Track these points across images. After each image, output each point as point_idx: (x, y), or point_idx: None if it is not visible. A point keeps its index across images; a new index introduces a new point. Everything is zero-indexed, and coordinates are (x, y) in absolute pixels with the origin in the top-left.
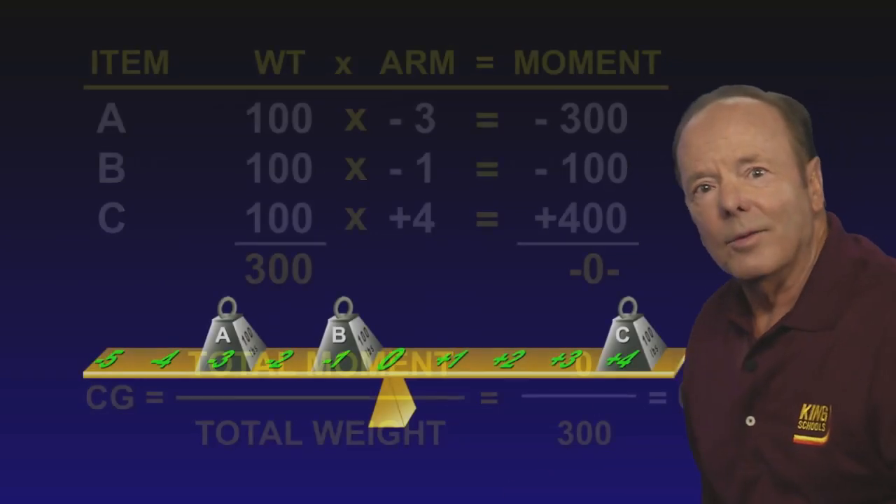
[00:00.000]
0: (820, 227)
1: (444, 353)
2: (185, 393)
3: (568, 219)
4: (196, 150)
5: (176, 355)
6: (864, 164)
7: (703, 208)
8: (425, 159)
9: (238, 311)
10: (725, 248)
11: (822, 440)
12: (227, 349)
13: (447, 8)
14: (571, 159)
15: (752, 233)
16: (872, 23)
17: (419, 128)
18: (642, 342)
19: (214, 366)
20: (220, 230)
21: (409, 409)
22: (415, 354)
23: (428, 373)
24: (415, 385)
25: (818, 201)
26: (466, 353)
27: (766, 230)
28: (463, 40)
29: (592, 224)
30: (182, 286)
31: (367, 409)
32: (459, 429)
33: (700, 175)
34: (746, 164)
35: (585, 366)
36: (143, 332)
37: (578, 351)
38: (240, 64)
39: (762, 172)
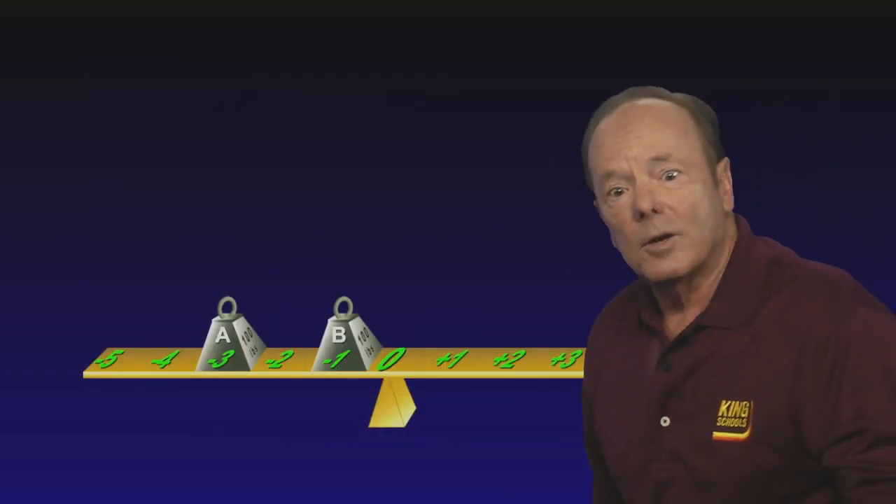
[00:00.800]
0: (730, 228)
1: (444, 353)
2: (184, 393)
3: (568, 218)
4: (196, 150)
5: (176, 355)
6: (864, 163)
7: (617, 211)
8: (426, 161)
9: (238, 311)
10: (639, 251)
11: (744, 436)
12: (227, 349)
13: None
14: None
15: (665, 235)
16: (872, 23)
17: (417, 127)
18: None
19: (214, 366)
20: (220, 230)
21: (409, 409)
22: (415, 354)
23: (428, 373)
24: (415, 385)
25: (729, 202)
26: (466, 353)
27: (678, 234)
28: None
29: (593, 224)
30: (182, 286)
31: (367, 410)
32: (459, 429)
33: (612, 174)
34: (659, 163)
35: None
36: (143, 332)
37: (578, 351)
38: (240, 63)
39: (675, 174)
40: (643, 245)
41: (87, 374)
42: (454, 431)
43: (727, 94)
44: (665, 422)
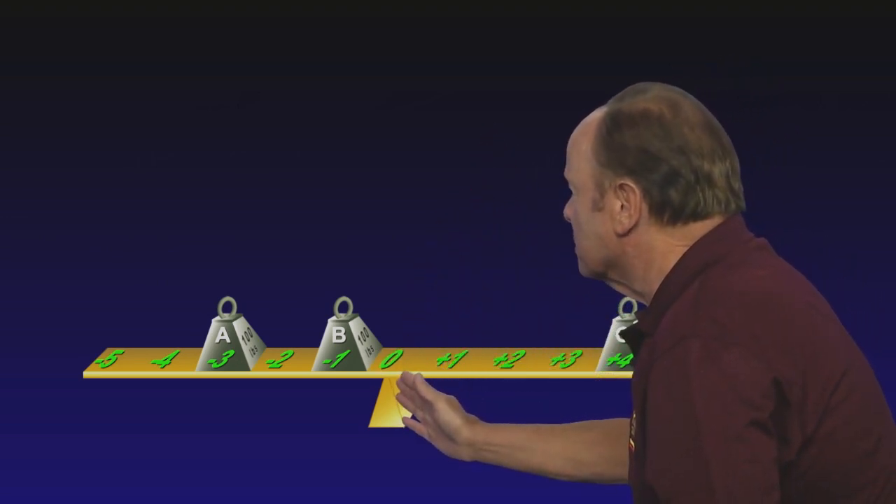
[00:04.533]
0: (659, 243)
1: (444, 353)
2: (184, 393)
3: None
4: (196, 150)
5: (176, 355)
6: (864, 163)
7: None
8: (426, 161)
9: (238, 311)
10: None
11: (633, 445)
12: (227, 349)
13: None
14: None
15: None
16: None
17: (417, 127)
18: None
19: (214, 366)
20: (220, 230)
21: None
22: (415, 354)
23: (428, 373)
24: None
25: (624, 224)
26: (466, 353)
27: (576, 243)
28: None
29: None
30: (182, 286)
31: (367, 410)
32: None
33: None
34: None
35: (585, 366)
36: (143, 332)
37: (578, 351)
38: (240, 63)
39: (573, 192)
40: None
41: (87, 374)
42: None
43: (727, 94)
44: (633, 424)
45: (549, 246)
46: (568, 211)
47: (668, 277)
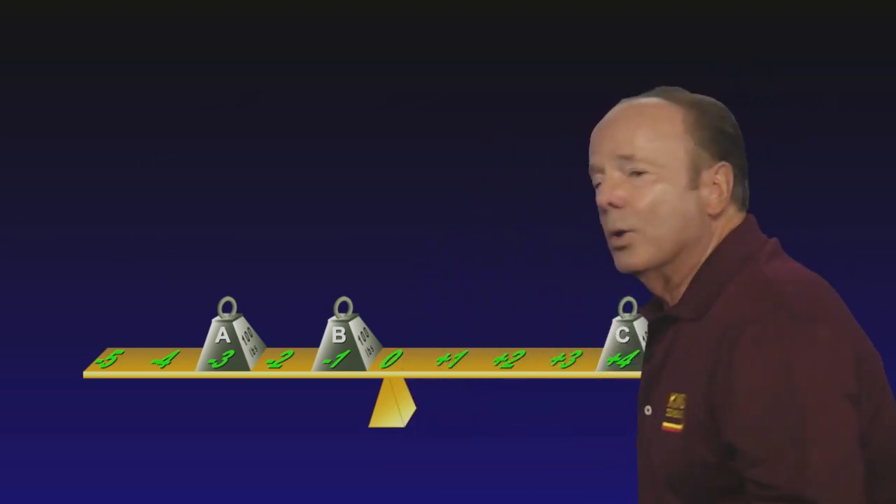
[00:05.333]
0: (723, 228)
1: (444, 353)
2: (184, 393)
3: (569, 218)
4: (196, 150)
5: (176, 355)
6: (864, 163)
7: (597, 203)
8: (426, 161)
9: (238, 311)
10: (609, 243)
11: (680, 427)
12: (227, 349)
13: None
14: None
15: (622, 231)
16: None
17: (417, 127)
18: (642, 342)
19: (214, 366)
20: (220, 230)
21: (409, 409)
22: (415, 354)
23: (428, 373)
24: (415, 385)
25: (715, 205)
26: (466, 353)
27: (635, 231)
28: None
29: (593, 223)
30: (182, 286)
31: (367, 410)
32: (459, 429)
33: (592, 168)
34: (626, 161)
35: (585, 366)
36: (143, 332)
37: (578, 351)
38: (240, 63)
39: (640, 173)
40: (608, 238)
41: (87, 374)
42: (454, 431)
43: (727, 94)
44: (647, 411)
45: (549, 246)
46: (621, 194)
47: (707, 268)
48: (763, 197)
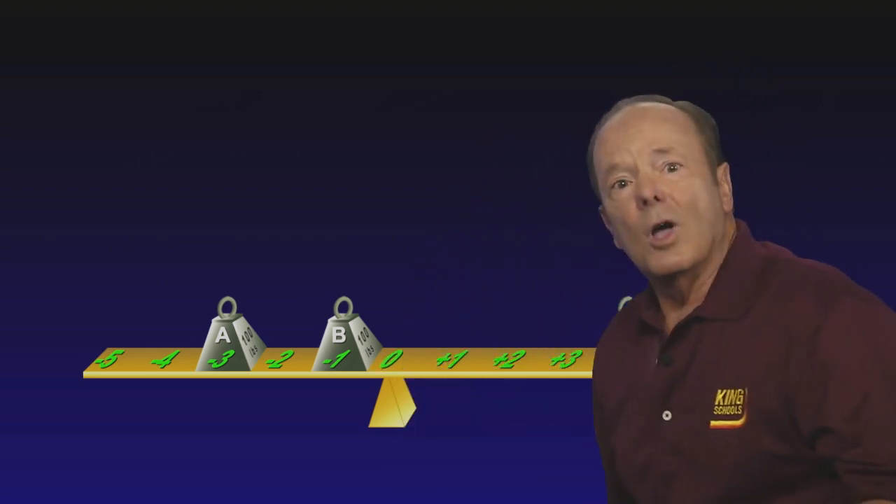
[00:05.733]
0: (730, 228)
1: (444, 353)
2: (184, 393)
3: (569, 218)
4: (196, 150)
5: (176, 355)
6: (864, 163)
7: (621, 203)
8: (426, 161)
9: (238, 311)
10: (643, 243)
11: (739, 422)
12: (227, 349)
13: None
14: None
15: (667, 224)
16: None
17: (417, 127)
18: None
19: (214, 366)
20: (220, 230)
21: (409, 409)
22: (415, 354)
23: (428, 373)
24: (415, 385)
25: (728, 203)
26: (466, 353)
27: (679, 225)
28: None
29: (594, 224)
30: (182, 286)
31: (367, 410)
32: (459, 429)
33: (615, 167)
34: (661, 156)
35: (585, 366)
36: (143, 332)
37: (578, 351)
38: (240, 63)
39: (676, 167)
40: (648, 237)
41: (87, 374)
42: (454, 431)
43: (727, 94)
44: (667, 416)
45: (549, 246)
46: (663, 188)
47: (729, 269)
48: (763, 197)
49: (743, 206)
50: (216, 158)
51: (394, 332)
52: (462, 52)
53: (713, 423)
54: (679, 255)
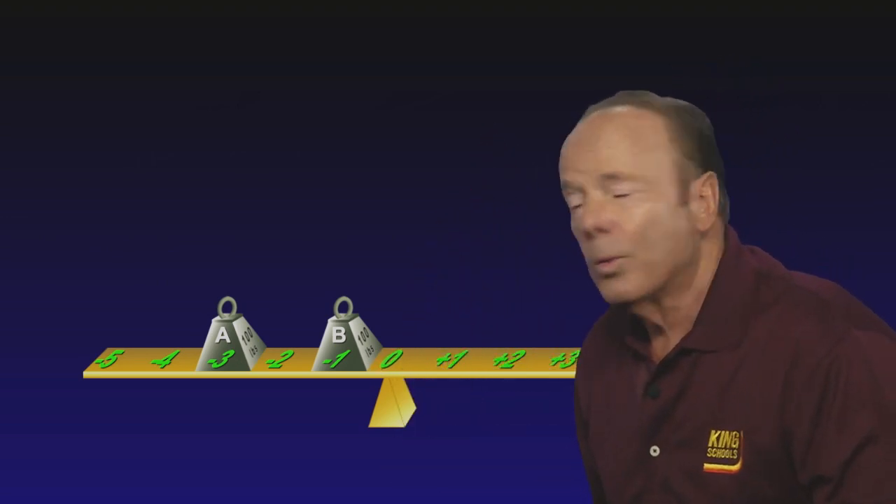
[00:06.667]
0: (712, 246)
1: (444, 353)
2: (184, 393)
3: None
4: (196, 150)
5: (176, 355)
6: (863, 164)
7: (575, 225)
8: (426, 161)
9: (238, 311)
10: (592, 270)
11: (735, 468)
12: (227, 349)
13: None
14: None
15: (612, 258)
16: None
17: (417, 127)
18: None
19: (214, 366)
20: (220, 230)
21: (409, 409)
22: (415, 354)
23: (428, 373)
24: (415, 385)
25: (706, 220)
26: (466, 353)
27: (626, 256)
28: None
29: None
30: (182, 286)
31: (367, 410)
32: (459, 429)
33: (566, 185)
34: (611, 181)
35: None
36: (143, 332)
37: (578, 351)
38: (240, 63)
39: (627, 193)
40: (596, 264)
41: (87, 374)
42: (454, 431)
43: (727, 94)
44: (655, 451)
45: (549, 246)
46: (609, 217)
47: (722, 286)
48: (763, 198)
49: (742, 207)
50: (216, 158)
51: (394, 332)
52: (462, 52)
53: (707, 465)
54: (626, 284)
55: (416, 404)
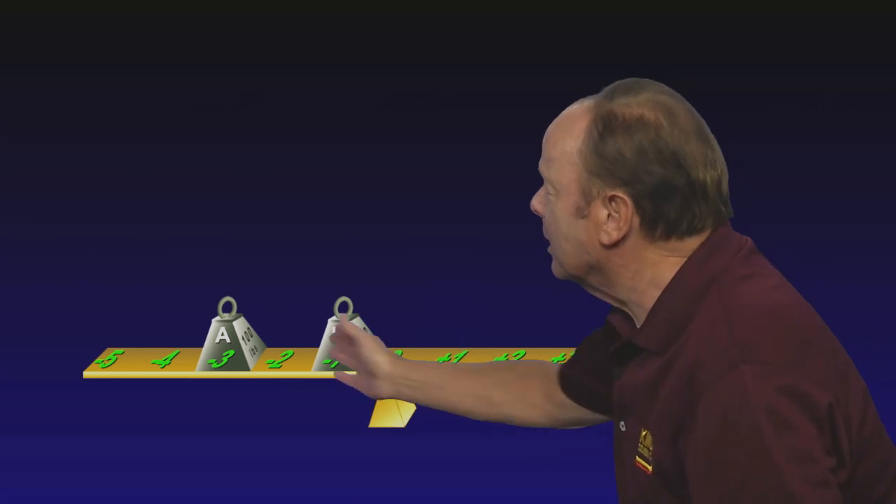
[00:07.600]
0: (643, 254)
1: (444, 353)
2: (184, 393)
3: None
4: (196, 150)
5: (176, 355)
6: (863, 163)
7: None
8: (426, 161)
9: (238, 311)
10: None
11: (649, 469)
12: (227, 349)
13: None
14: None
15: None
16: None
17: (417, 127)
18: None
19: (214, 366)
20: (220, 230)
21: (409, 409)
22: (415, 354)
23: None
24: None
25: (611, 236)
26: (466, 353)
27: (550, 241)
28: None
29: None
30: (182, 286)
31: (367, 410)
32: (459, 429)
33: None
34: (543, 171)
35: None
36: (143, 332)
37: None
38: (240, 63)
39: (549, 190)
40: None
41: (87, 374)
42: (454, 431)
43: (727, 94)
44: (623, 427)
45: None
46: (538, 206)
47: (668, 293)
48: (762, 197)
49: (742, 208)
50: (216, 158)
51: (394, 332)
52: (462, 52)
53: (637, 459)
54: (553, 265)
55: (416, 404)
